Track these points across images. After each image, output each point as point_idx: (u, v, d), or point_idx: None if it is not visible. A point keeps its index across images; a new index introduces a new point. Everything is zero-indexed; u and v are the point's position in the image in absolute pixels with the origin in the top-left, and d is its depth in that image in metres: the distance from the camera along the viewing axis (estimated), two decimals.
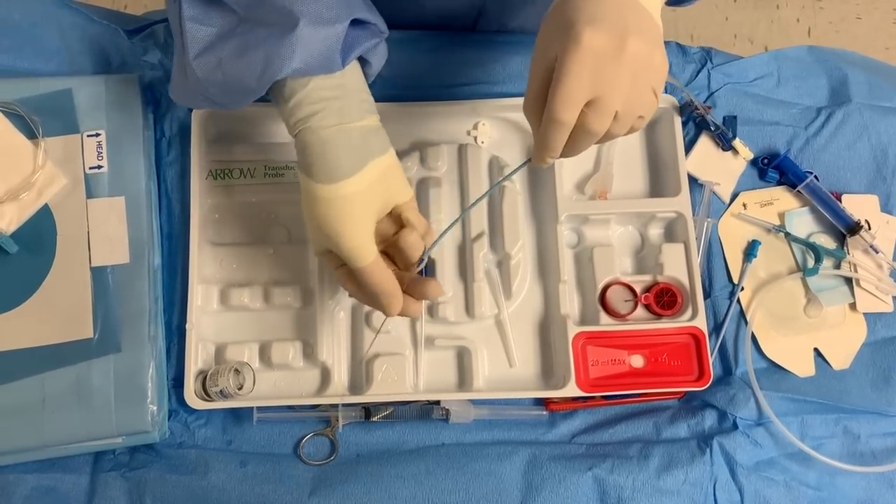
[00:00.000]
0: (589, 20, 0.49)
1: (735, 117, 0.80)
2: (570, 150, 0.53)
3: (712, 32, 1.81)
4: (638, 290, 0.74)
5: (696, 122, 0.79)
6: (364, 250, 0.58)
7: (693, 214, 0.75)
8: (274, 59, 0.54)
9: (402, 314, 0.61)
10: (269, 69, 0.55)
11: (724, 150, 0.79)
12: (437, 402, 0.70)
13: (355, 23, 0.57)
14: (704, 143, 0.79)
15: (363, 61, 0.61)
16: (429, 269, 0.73)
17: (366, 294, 0.60)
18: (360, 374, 0.72)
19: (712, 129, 0.78)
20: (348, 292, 0.63)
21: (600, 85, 0.49)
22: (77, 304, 0.68)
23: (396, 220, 0.61)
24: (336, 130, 0.56)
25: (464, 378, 0.73)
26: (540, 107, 0.52)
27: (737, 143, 0.78)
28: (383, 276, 0.59)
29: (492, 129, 0.78)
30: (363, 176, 0.57)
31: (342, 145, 0.56)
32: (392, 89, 0.77)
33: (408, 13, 0.79)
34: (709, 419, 0.72)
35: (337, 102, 0.57)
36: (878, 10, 1.87)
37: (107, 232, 0.70)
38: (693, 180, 0.77)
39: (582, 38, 0.48)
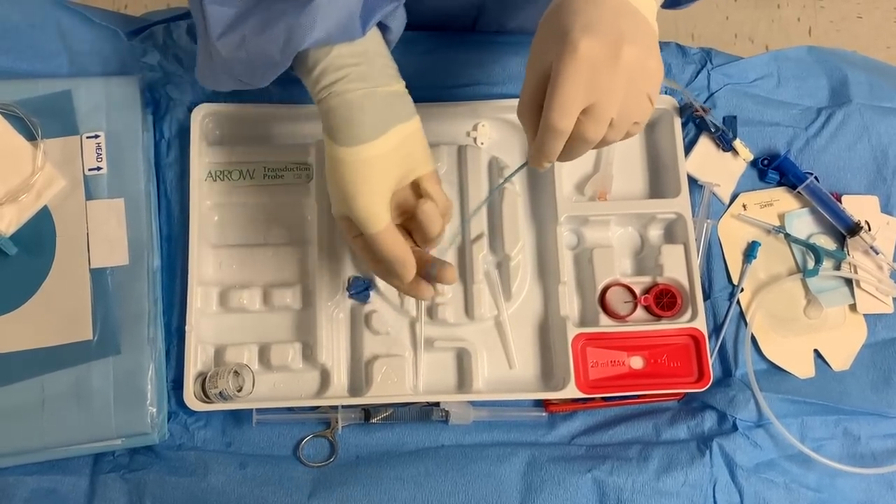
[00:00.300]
0: (584, 27, 0.49)
1: (735, 118, 0.79)
2: (566, 156, 0.53)
3: (713, 32, 1.80)
4: (637, 291, 0.74)
5: (695, 124, 0.79)
6: (377, 216, 0.57)
7: (693, 215, 0.75)
8: (296, 31, 0.55)
9: (413, 294, 0.61)
10: (292, 41, 0.55)
11: (724, 151, 0.79)
12: (437, 404, 0.70)
13: None
14: (704, 143, 0.79)
15: (383, 28, 0.61)
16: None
17: (381, 265, 0.60)
18: (360, 375, 0.72)
19: (712, 130, 0.78)
20: (368, 265, 0.62)
21: (596, 93, 0.49)
22: (76, 306, 0.68)
23: (417, 191, 0.61)
24: (361, 94, 0.57)
25: (463, 379, 0.73)
26: (534, 112, 0.52)
27: (737, 144, 0.78)
28: (395, 243, 0.58)
29: (491, 130, 0.78)
30: (386, 140, 0.57)
31: (367, 108, 0.57)
32: None
33: (408, 12, 0.79)
34: (708, 421, 0.72)
35: (360, 68, 0.57)
36: (878, 9, 1.87)
37: (106, 233, 0.70)
38: (693, 181, 0.77)
39: (578, 46, 0.48)
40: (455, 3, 0.80)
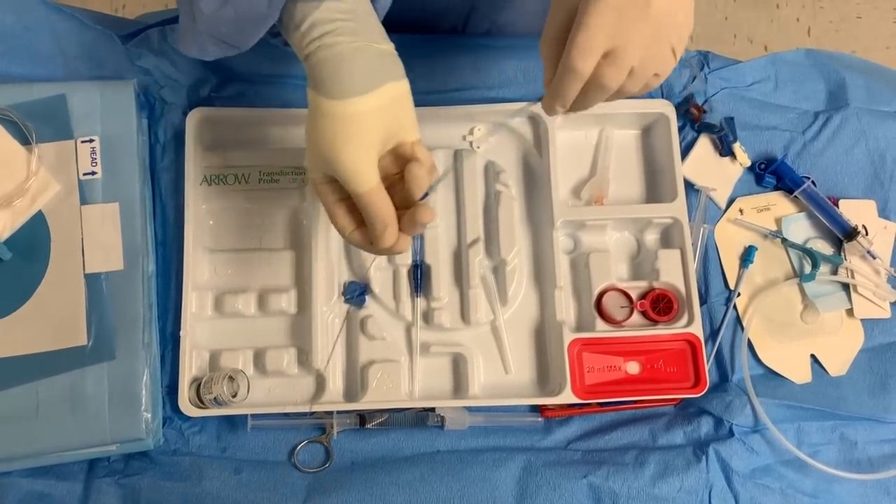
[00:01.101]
0: None
1: (732, 118, 0.79)
2: (580, 103, 0.52)
3: (712, 31, 1.80)
4: (634, 296, 0.74)
5: (694, 128, 0.79)
6: (367, 174, 0.54)
7: (689, 220, 0.75)
8: None
9: (391, 250, 0.57)
10: None
11: (722, 155, 0.78)
12: (433, 409, 0.70)
13: None
14: (701, 148, 0.78)
15: None
16: (424, 273, 0.73)
17: (362, 232, 0.57)
18: (355, 381, 0.71)
19: (715, 130, 0.77)
20: (342, 231, 0.58)
21: (620, 37, 0.49)
22: (71, 311, 0.68)
23: (398, 157, 0.57)
24: (352, 47, 0.54)
25: (459, 385, 0.72)
26: (556, 50, 0.51)
27: (735, 147, 0.78)
28: (385, 203, 0.55)
29: (487, 134, 0.78)
30: (377, 96, 0.54)
31: (358, 61, 0.54)
32: None
33: (400, 7, 0.78)
34: (705, 426, 0.71)
35: (350, 24, 0.55)
36: (878, 9, 1.87)
37: (101, 238, 0.70)
38: (689, 185, 0.77)
39: None
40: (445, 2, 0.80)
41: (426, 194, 0.56)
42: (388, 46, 0.57)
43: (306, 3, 0.55)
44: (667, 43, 0.51)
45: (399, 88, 0.56)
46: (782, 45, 1.79)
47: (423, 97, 0.77)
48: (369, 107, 0.54)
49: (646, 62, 0.50)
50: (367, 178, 0.54)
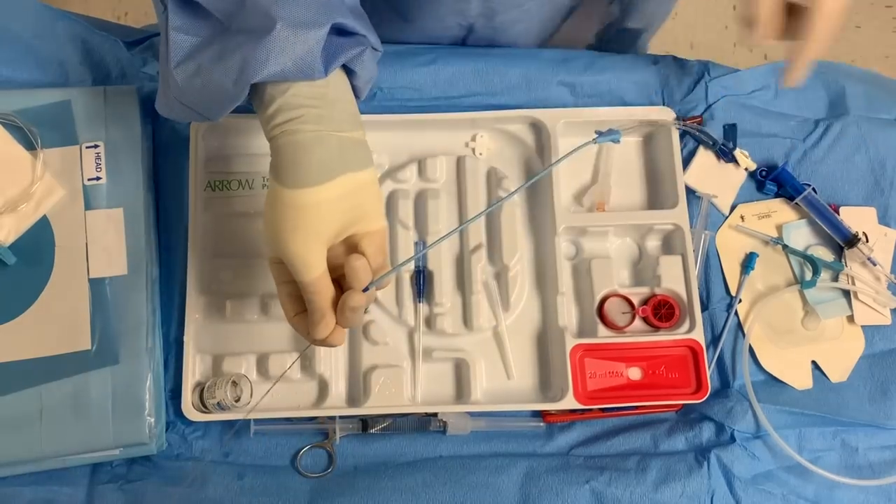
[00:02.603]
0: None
1: (735, 125, 0.80)
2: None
3: (712, 40, 1.81)
4: (636, 302, 0.74)
5: (694, 137, 0.79)
6: (313, 263, 0.55)
7: (691, 226, 0.75)
8: (250, 63, 0.53)
9: (325, 342, 0.58)
10: (245, 73, 0.53)
11: (726, 161, 0.79)
12: (435, 415, 0.70)
13: (340, 32, 0.56)
14: (704, 154, 0.79)
15: (350, 73, 0.59)
16: (426, 281, 0.73)
17: (301, 318, 0.58)
18: (358, 386, 0.71)
19: (710, 143, 0.78)
20: (286, 314, 0.60)
21: None
22: (75, 316, 0.68)
23: (352, 248, 0.58)
24: (313, 136, 0.55)
25: (461, 390, 0.73)
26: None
27: (738, 153, 0.78)
28: (325, 295, 0.56)
29: (490, 140, 0.78)
30: (331, 187, 0.55)
31: (315, 152, 0.55)
32: (390, 101, 0.78)
33: (397, 33, 0.79)
34: (706, 432, 0.71)
35: (316, 110, 0.55)
36: (877, 18, 1.88)
37: (105, 243, 0.70)
38: (691, 192, 0.77)
39: None
40: (443, 23, 0.80)
41: (366, 288, 0.56)
42: (356, 133, 0.57)
43: (275, 86, 0.55)
44: None
45: (359, 178, 0.57)
46: (782, 54, 1.80)
47: (426, 103, 0.78)
48: (321, 198, 0.55)
49: None
50: (311, 268, 0.55)
